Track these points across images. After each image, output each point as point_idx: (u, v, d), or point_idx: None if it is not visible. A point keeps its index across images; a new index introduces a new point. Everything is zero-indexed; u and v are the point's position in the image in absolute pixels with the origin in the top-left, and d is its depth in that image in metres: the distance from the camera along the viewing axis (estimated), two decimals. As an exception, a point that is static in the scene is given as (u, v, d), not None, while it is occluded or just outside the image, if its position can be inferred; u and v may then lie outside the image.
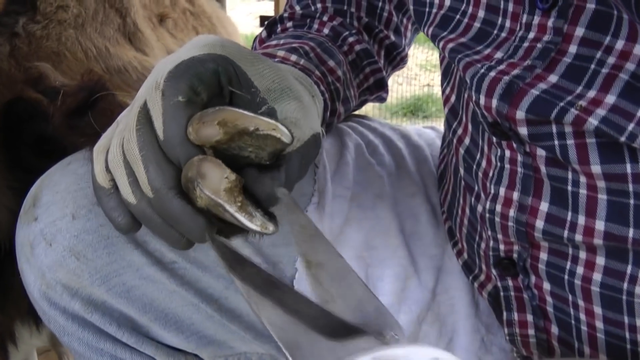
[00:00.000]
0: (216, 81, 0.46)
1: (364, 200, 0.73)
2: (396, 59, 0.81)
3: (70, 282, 0.61)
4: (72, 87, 0.69)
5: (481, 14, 0.55)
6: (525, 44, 0.51)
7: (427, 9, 0.61)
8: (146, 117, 0.45)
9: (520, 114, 0.50)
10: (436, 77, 3.80)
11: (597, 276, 0.53)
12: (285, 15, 0.77)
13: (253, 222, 0.43)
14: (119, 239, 0.62)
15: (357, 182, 0.74)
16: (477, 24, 0.56)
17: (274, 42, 0.70)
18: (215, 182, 0.42)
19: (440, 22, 0.59)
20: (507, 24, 0.53)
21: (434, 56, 3.87)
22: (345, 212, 0.71)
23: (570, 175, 0.51)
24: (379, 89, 0.79)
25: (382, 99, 0.82)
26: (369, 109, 3.06)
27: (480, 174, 0.60)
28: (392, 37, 0.79)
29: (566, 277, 0.55)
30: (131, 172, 0.45)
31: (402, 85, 3.54)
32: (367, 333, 0.37)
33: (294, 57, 0.64)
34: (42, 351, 1.53)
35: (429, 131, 0.87)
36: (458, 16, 0.58)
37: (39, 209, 0.62)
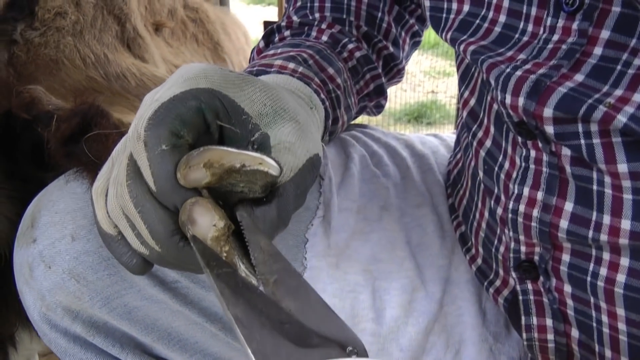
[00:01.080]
0: (201, 119, 0.45)
1: (370, 212, 0.72)
2: (393, 70, 0.80)
3: (71, 305, 0.61)
4: (65, 111, 0.67)
5: (502, 18, 0.55)
6: (550, 46, 0.51)
7: (444, 15, 0.61)
8: (135, 169, 0.44)
9: (547, 112, 0.49)
10: (440, 84, 3.81)
11: (621, 277, 0.52)
12: (283, 24, 0.76)
13: (239, 271, 0.43)
14: None
15: (362, 194, 0.73)
16: (497, 29, 0.56)
17: (271, 52, 0.69)
18: (203, 230, 0.43)
19: (459, 27, 0.59)
20: (530, 28, 0.53)
21: (438, 63, 3.88)
22: (351, 225, 0.71)
23: (595, 175, 0.51)
24: (378, 96, 0.79)
25: (381, 106, 0.81)
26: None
27: (502, 176, 0.60)
28: (391, 48, 0.78)
29: (589, 279, 0.54)
30: (134, 225, 0.45)
31: (406, 91, 3.54)
32: (332, 344, 0.38)
33: (292, 65, 0.63)
34: (44, 353, 1.54)
35: (432, 139, 0.86)
36: (478, 21, 0.57)
37: (37, 230, 0.61)
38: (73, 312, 0.61)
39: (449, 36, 0.60)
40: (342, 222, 0.70)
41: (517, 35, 0.54)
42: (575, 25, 0.49)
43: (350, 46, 0.73)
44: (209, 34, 1.45)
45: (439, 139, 0.87)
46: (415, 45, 0.84)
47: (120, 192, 0.44)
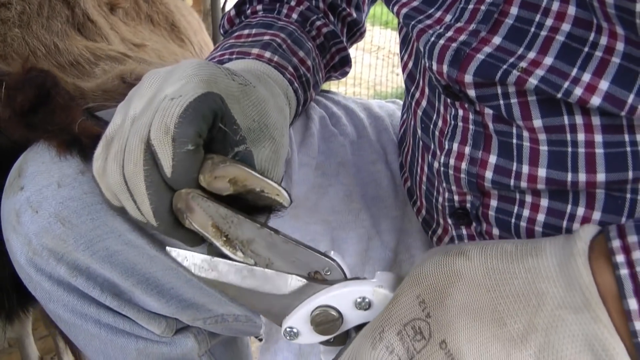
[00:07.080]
0: (215, 122, 0.50)
1: (328, 168, 0.78)
2: (356, 34, 0.87)
3: (56, 247, 0.64)
4: (14, 77, 0.66)
5: None
6: (471, 6, 0.56)
7: None
8: (152, 156, 0.48)
9: (468, 78, 0.55)
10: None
11: (540, 217, 0.58)
12: None
13: (236, 255, 0.49)
14: (102, 206, 0.65)
15: (321, 152, 0.79)
16: None
17: (245, 32, 0.73)
18: (203, 218, 0.48)
19: None
20: None
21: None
22: (310, 179, 0.76)
23: (514, 130, 0.57)
24: (343, 66, 0.85)
25: (345, 73, 0.87)
26: (364, 97, 3.12)
27: (436, 133, 0.65)
28: (354, 14, 0.84)
29: (513, 220, 0.60)
30: (135, 199, 0.50)
31: (398, 75, 3.55)
32: (305, 281, 0.49)
33: (268, 54, 0.68)
34: (40, 337, 1.58)
35: (390, 104, 0.92)
36: None
37: (24, 179, 0.64)
38: (58, 255, 0.64)
39: None
40: (302, 177, 0.76)
41: None
42: None
43: (318, 23, 0.78)
44: (164, 14, 1.42)
45: (396, 105, 0.93)
46: (373, 2, 0.89)
47: (132, 171, 0.49)
